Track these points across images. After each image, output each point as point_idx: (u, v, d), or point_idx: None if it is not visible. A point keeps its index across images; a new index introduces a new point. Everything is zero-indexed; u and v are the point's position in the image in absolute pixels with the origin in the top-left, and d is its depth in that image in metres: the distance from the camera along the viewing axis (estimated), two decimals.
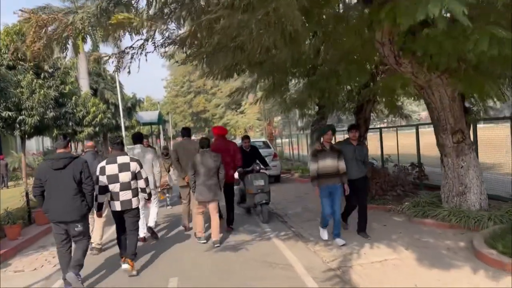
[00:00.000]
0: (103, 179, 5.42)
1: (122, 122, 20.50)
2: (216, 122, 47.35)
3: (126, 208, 5.46)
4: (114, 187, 5.42)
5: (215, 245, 6.47)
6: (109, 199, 5.53)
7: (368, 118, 11.83)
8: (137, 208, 5.67)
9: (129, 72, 6.75)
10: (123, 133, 20.66)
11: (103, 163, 5.54)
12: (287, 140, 27.57)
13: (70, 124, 15.37)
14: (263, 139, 18.90)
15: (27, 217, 9.19)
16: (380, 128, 11.46)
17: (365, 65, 7.75)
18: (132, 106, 26.01)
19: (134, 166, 5.51)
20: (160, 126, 43.57)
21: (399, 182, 8.60)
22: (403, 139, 12.39)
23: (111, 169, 5.42)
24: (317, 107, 16.31)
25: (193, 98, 51.16)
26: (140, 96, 27.39)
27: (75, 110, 16.83)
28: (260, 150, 13.98)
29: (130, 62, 6.45)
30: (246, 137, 9.28)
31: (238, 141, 15.74)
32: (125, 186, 5.43)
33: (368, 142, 12.06)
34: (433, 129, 7.02)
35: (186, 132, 8.15)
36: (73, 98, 15.93)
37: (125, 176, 5.43)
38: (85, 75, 21.54)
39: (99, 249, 6.73)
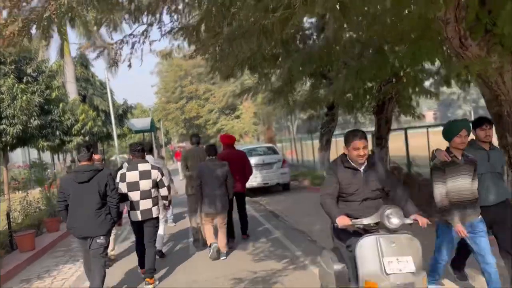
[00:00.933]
0: (122, 187, 5.38)
1: (114, 130, 19.27)
2: (209, 128, 46.18)
3: (146, 218, 5.43)
4: (134, 195, 5.39)
5: (222, 257, 6.31)
6: (128, 209, 5.47)
7: (390, 118, 10.84)
8: (157, 218, 5.62)
9: (129, 66, 5.64)
10: (115, 142, 19.41)
11: (123, 170, 5.53)
12: (284, 144, 26.54)
13: (58, 133, 14.21)
14: (269, 144, 17.84)
15: (8, 242, 7.99)
16: (405, 129, 10.41)
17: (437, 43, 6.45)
18: (124, 113, 24.70)
19: (155, 174, 5.48)
20: (152, 134, 42.33)
21: None
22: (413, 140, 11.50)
23: (132, 176, 5.40)
24: (325, 108, 15.38)
25: (185, 103, 49.88)
26: (130, 102, 25.84)
27: (62, 118, 15.65)
28: (267, 157, 13.04)
29: (131, 53, 5.35)
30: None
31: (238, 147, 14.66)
32: (145, 195, 5.42)
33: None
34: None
35: (196, 139, 7.82)
36: (60, 105, 14.77)
37: (146, 184, 5.42)
38: (72, 80, 20.30)
39: (112, 260, 6.73)
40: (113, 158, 52.49)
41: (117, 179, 5.41)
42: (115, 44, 5.45)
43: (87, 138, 18.41)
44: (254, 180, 12.77)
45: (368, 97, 10.59)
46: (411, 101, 11.12)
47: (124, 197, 5.33)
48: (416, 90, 9.70)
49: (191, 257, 6.82)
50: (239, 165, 7.29)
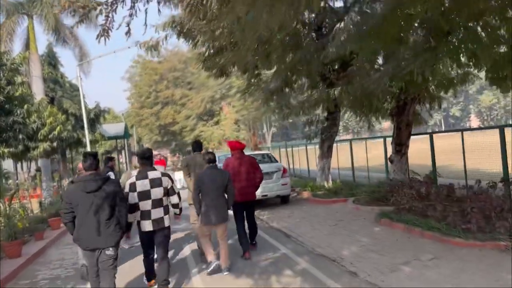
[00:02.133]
0: (132, 197, 5.22)
1: (87, 135, 17.46)
2: (187, 135, 44.39)
3: (158, 227, 5.29)
4: (145, 205, 5.24)
5: (225, 272, 6.02)
6: (138, 219, 5.31)
7: (411, 121, 9.68)
8: (169, 227, 5.45)
9: (128, 33, 4.12)
10: (88, 148, 17.59)
11: (132, 179, 5.33)
12: (271, 151, 25.20)
13: (21, 137, 12.44)
14: (266, 151, 16.48)
15: None
16: (431, 133, 9.23)
17: None
18: (96, 117, 22.85)
19: (166, 181, 5.37)
20: (125, 141, 40.31)
21: (507, 206, 6.31)
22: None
23: (143, 185, 5.25)
24: (326, 112, 14.16)
25: (161, 109, 47.94)
26: (103, 106, 24.01)
27: (27, 121, 13.87)
28: (265, 166, 11.64)
29: (131, 17, 3.86)
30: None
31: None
32: (157, 203, 5.29)
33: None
34: None
35: (197, 145, 7.54)
36: (25, 106, 13.01)
37: (157, 192, 5.30)
38: (39, 80, 18.42)
39: None
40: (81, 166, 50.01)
41: (126, 189, 5.23)
42: (105, 3, 3.96)
43: (54, 144, 16.62)
44: None
45: (387, 97, 9.40)
46: (433, 102, 10.02)
47: (132, 208, 5.17)
48: (447, 89, 8.57)
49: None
50: (250, 171, 7.02)
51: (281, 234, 8.40)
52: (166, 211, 5.38)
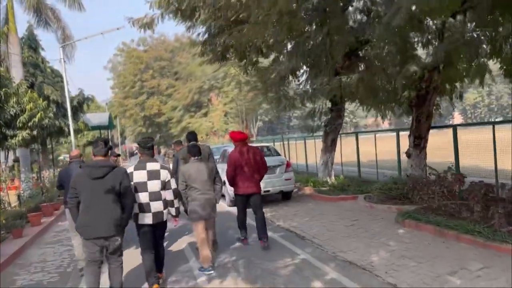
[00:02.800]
0: None
1: (71, 123, 16.29)
2: (173, 126, 43.33)
3: (158, 221, 5.11)
4: (142, 197, 5.04)
5: (208, 270, 5.67)
6: (136, 211, 5.06)
7: (431, 112, 8.94)
8: (166, 222, 5.31)
9: None
10: (72, 137, 16.45)
11: (131, 169, 5.15)
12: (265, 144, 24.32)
13: None
14: (266, 144, 15.63)
15: None
16: (455, 126, 8.50)
17: None
18: (79, 105, 21.66)
19: (164, 174, 5.16)
20: (109, 132, 38.93)
21: None
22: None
23: (139, 176, 5.07)
24: (329, 102, 13.38)
25: (146, 99, 46.70)
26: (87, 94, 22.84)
27: (5, 106, 12.79)
28: (268, 159, 10.74)
29: None
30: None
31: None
32: (155, 196, 5.09)
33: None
34: None
35: (193, 136, 7.10)
36: (2, 90, 11.94)
37: (154, 185, 5.09)
38: (18, 64, 17.16)
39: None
40: (61, 157, 48.49)
41: None
42: None
43: (34, 133, 15.48)
44: None
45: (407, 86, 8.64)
46: (453, 92, 9.32)
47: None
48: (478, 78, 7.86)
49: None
50: (255, 163, 6.85)
51: (292, 235, 7.58)
52: (165, 206, 5.17)
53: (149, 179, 5.06)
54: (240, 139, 6.97)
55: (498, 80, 18.82)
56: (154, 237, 5.19)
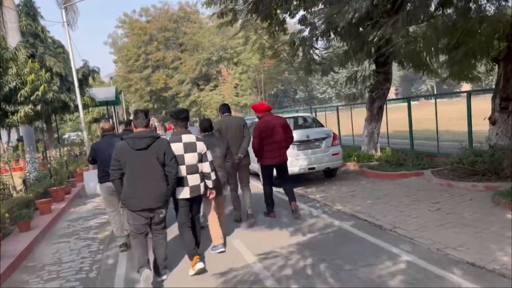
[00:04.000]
0: None
1: (79, 97, 14.72)
2: (181, 101, 41.60)
3: (195, 194, 4.98)
4: (179, 170, 4.76)
5: (219, 249, 5.44)
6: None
7: None
8: (202, 196, 5.15)
9: None
10: (81, 114, 14.92)
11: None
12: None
13: None
14: (306, 114, 14.04)
15: None
16: None
17: None
18: (84, 77, 20.01)
19: (201, 146, 5.02)
20: (114, 108, 37.19)
21: None
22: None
23: (176, 148, 4.82)
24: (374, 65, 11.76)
25: (151, 73, 44.81)
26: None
27: (2, 78, 11.27)
28: (312, 131, 9.38)
29: None
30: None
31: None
32: (192, 169, 4.94)
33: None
34: None
35: (226, 108, 7.19)
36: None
37: (191, 158, 4.94)
38: (16, 32, 15.57)
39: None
40: (66, 136, 47.16)
41: None
42: None
43: (38, 108, 14.01)
44: (296, 164, 9.08)
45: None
46: None
47: None
48: None
49: None
50: (282, 132, 6.81)
51: (365, 223, 6.13)
52: (202, 178, 5.06)
53: (185, 151, 4.91)
54: (264, 109, 6.95)
55: None
56: (191, 211, 5.05)
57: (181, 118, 5.06)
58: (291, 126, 11.03)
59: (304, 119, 10.83)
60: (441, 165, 9.06)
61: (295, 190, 9.10)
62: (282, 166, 6.95)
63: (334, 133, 9.65)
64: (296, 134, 9.25)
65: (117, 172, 4.47)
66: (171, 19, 45.92)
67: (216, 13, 13.84)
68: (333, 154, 9.37)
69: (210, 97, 37.49)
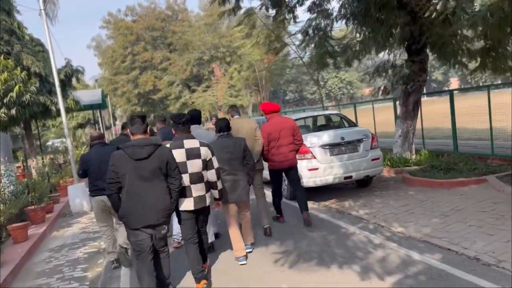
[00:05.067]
0: None
1: (60, 99, 12.94)
2: (171, 103, 39.83)
3: (200, 206, 4.53)
4: (182, 180, 4.38)
5: (241, 262, 5.07)
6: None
7: None
8: (209, 207, 4.76)
9: None
10: (64, 119, 13.14)
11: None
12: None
13: None
14: (334, 111, 12.45)
15: None
16: None
17: None
18: (67, 78, 18.21)
19: (205, 152, 4.56)
20: (100, 112, 35.16)
21: None
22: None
23: (178, 155, 4.40)
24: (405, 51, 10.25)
25: (139, 75, 42.94)
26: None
27: None
28: (346, 132, 7.88)
29: None
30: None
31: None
32: (196, 178, 4.50)
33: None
34: None
35: (235, 109, 6.69)
36: None
37: (195, 165, 4.50)
38: None
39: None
40: (49, 143, 44.99)
41: None
42: None
43: (13, 112, 12.31)
44: (329, 173, 7.50)
45: None
46: None
47: None
48: None
49: None
50: (290, 135, 6.41)
51: (456, 256, 4.54)
52: (208, 188, 4.62)
53: (188, 158, 4.50)
54: (272, 110, 6.61)
55: None
56: (196, 224, 4.60)
57: (182, 122, 4.60)
58: (316, 126, 9.52)
59: (332, 117, 9.25)
60: (503, 169, 7.57)
61: (325, 202, 7.66)
62: (292, 170, 6.57)
63: (373, 135, 8.07)
64: (328, 136, 7.72)
65: (115, 186, 4.03)
66: (158, 17, 44.16)
67: (217, 0, 12.27)
68: (373, 159, 7.79)
69: (204, 98, 35.75)
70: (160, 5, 45.23)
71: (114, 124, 59.52)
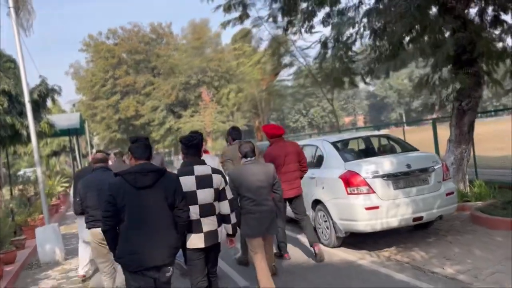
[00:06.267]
0: None
1: (31, 123, 10.78)
2: (154, 130, 37.78)
3: (212, 243, 3.96)
4: (190, 212, 3.77)
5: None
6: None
7: None
8: (220, 244, 4.20)
9: None
10: (34, 144, 10.95)
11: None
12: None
13: None
14: (383, 132, 10.63)
15: None
16: None
17: None
18: (41, 98, 16.11)
19: (218, 180, 4.04)
20: (76, 138, 32.65)
21: None
22: None
23: (186, 183, 3.84)
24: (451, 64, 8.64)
25: (120, 100, 40.89)
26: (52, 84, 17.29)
27: None
28: (412, 158, 5.88)
29: None
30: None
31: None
32: (207, 210, 3.95)
33: None
34: None
35: (237, 133, 6.31)
36: None
37: (206, 196, 3.95)
38: None
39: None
40: (21, 172, 41.94)
41: None
42: None
43: None
44: (393, 213, 5.64)
45: None
46: None
47: None
48: None
49: None
50: (296, 161, 6.01)
51: None
52: (220, 221, 4.05)
53: (198, 187, 3.89)
54: (276, 134, 6.12)
55: None
56: (206, 265, 4.01)
57: (193, 145, 4.00)
58: (364, 149, 7.68)
59: (381, 139, 7.46)
60: None
61: (383, 252, 5.81)
62: (298, 199, 6.08)
63: (444, 164, 6.28)
64: (390, 163, 5.89)
65: (111, 221, 3.44)
66: (142, 40, 42.56)
67: (222, 5, 10.68)
68: (447, 194, 5.97)
69: (191, 124, 33.85)
70: (144, 28, 43.61)
71: (91, 152, 56.79)
